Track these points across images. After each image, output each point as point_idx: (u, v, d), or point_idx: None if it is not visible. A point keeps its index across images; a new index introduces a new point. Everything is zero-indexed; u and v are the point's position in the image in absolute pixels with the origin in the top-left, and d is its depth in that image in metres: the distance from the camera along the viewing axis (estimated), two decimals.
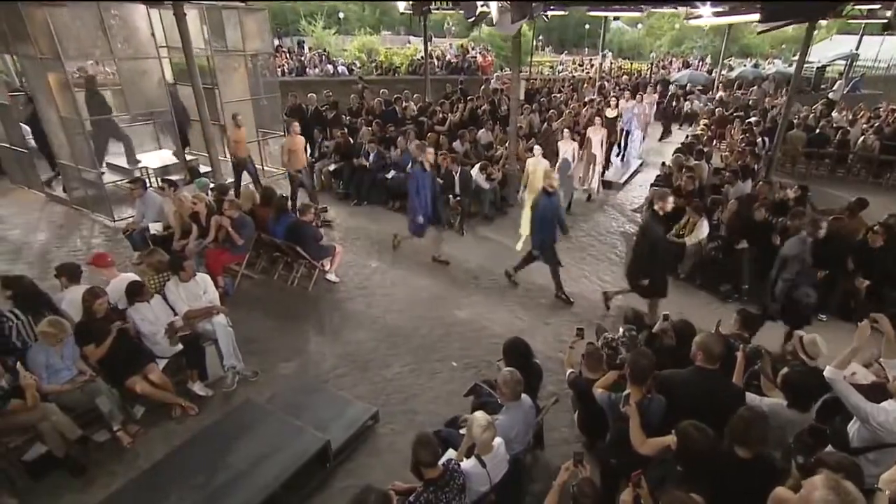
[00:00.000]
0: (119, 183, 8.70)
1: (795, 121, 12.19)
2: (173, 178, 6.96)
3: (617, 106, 11.35)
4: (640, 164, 11.95)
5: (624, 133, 11.32)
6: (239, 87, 9.37)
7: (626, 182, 10.93)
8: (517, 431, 3.35)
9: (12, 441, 3.60)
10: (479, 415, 3.03)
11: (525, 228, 7.32)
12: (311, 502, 3.70)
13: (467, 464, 2.97)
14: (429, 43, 13.49)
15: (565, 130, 8.68)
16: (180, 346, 4.53)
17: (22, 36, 6.95)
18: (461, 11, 9.39)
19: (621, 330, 4.36)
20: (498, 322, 5.94)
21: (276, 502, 3.46)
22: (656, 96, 14.18)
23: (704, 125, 12.14)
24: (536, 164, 7.69)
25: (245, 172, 8.46)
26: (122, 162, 8.97)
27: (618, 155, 11.46)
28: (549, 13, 14.13)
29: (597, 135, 9.07)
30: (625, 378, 3.20)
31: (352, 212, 8.81)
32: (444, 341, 5.55)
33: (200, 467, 3.58)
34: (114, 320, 4.24)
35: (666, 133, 14.92)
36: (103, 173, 7.86)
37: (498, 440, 3.10)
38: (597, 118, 9.59)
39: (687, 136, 11.85)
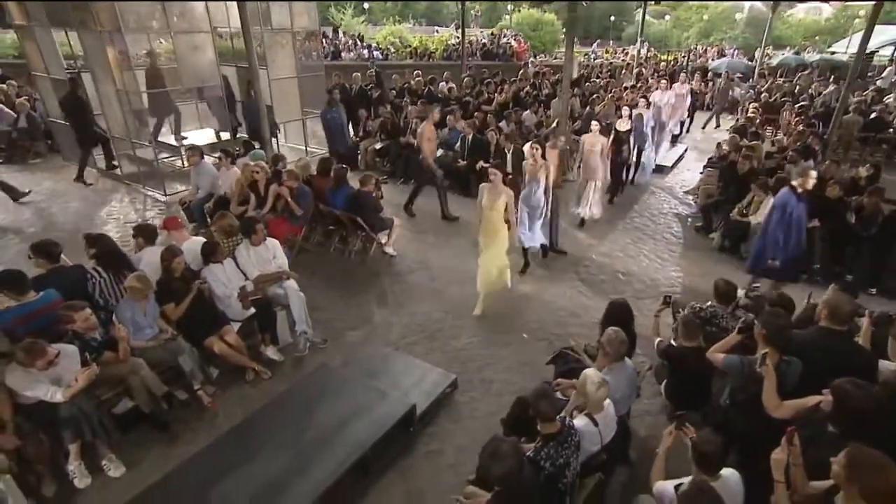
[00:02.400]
0: (168, 159, 8.77)
1: (852, 107, 11.73)
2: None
3: (641, 105, 9.03)
4: (685, 150, 11.65)
5: (636, 150, 8.95)
6: (286, 64, 9.32)
7: (674, 165, 10.65)
8: (622, 393, 3.21)
9: (104, 394, 3.58)
10: (592, 372, 2.90)
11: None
12: (396, 465, 3.61)
13: (579, 422, 2.83)
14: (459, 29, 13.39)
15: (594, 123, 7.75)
16: (252, 310, 4.48)
17: (83, 9, 6.96)
18: None
19: (709, 301, 4.19)
20: (561, 296, 5.81)
21: (364, 464, 3.39)
22: (689, 85, 13.15)
23: (754, 108, 11.74)
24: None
25: None
26: (169, 140, 9.02)
27: (629, 178, 9.29)
28: None
29: (595, 144, 7.10)
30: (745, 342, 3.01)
31: (399, 189, 8.70)
32: (510, 314, 5.42)
33: (287, 427, 3.52)
34: (191, 280, 4.20)
35: (713, 120, 14.34)
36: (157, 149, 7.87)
37: (607, 400, 2.96)
38: (594, 124, 7.30)
39: (737, 120, 11.49)
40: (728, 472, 2.38)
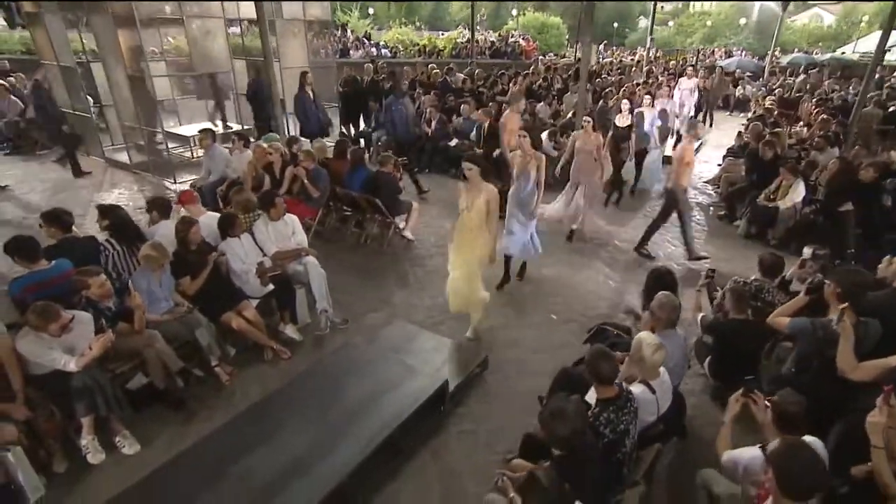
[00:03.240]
0: (177, 150, 8.61)
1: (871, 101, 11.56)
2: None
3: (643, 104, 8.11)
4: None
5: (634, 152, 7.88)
6: (298, 55, 9.19)
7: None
8: (675, 362, 2.99)
9: (118, 367, 3.37)
10: (646, 334, 2.69)
11: None
12: (428, 445, 3.39)
13: (636, 389, 2.62)
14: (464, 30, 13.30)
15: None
16: (271, 287, 4.28)
17: None
18: None
19: (752, 276, 3.99)
20: (586, 279, 5.62)
21: (395, 442, 3.17)
22: (697, 80, 11.60)
23: (771, 101, 11.57)
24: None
25: None
26: (178, 130, 8.88)
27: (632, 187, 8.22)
28: None
29: (588, 142, 6.11)
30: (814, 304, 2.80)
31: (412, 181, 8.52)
32: (536, 297, 5.21)
33: (312, 404, 3.30)
34: (208, 254, 4.01)
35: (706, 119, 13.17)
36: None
37: (662, 367, 2.75)
38: (586, 119, 6.31)
39: (751, 116, 11.30)
40: (811, 439, 2.16)
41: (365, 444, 3.01)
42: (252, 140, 6.47)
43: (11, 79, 10.41)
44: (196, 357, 3.77)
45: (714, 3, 52.67)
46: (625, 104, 7.41)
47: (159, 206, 4.31)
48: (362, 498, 2.98)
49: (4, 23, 16.39)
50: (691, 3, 52.28)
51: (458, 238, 4.17)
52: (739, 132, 8.84)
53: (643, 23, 48.57)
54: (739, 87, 16.28)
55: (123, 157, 8.61)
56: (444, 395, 3.52)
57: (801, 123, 9.80)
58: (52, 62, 8.43)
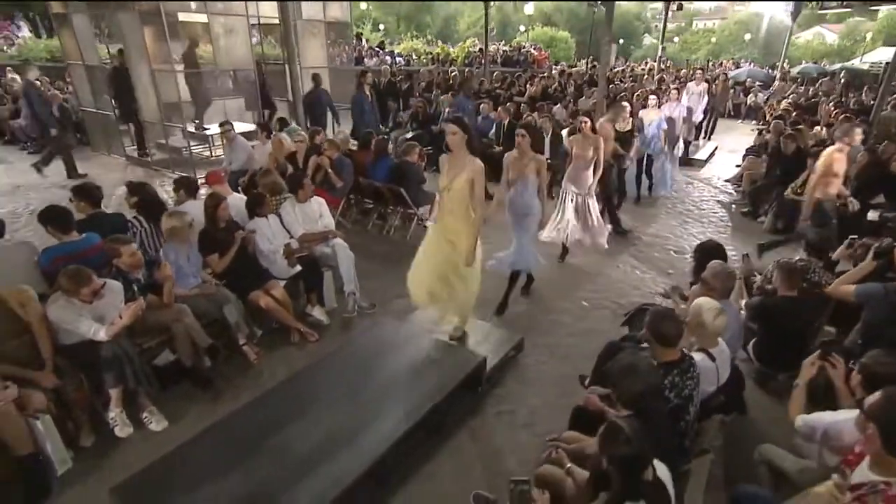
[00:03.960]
0: (197, 148, 8.59)
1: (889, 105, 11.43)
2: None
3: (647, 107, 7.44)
4: (716, 147, 11.32)
5: (646, 159, 7.37)
6: (317, 55, 9.22)
7: (708, 159, 10.34)
8: (731, 333, 2.82)
9: (145, 342, 3.25)
10: (705, 300, 2.53)
11: None
12: (466, 425, 3.22)
13: (696, 356, 2.45)
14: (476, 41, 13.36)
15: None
16: (298, 269, 4.16)
17: None
18: None
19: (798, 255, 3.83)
20: (616, 270, 5.48)
21: (433, 420, 3.00)
22: (704, 84, 10.23)
23: (788, 104, 11.46)
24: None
25: None
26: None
27: (649, 187, 7.71)
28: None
29: (586, 147, 5.03)
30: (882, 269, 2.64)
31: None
32: (565, 285, 5.07)
33: (345, 381, 3.15)
34: (235, 232, 3.90)
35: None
36: (206, 129, 7.70)
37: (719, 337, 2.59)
38: (582, 120, 5.15)
39: (768, 118, 11.15)
40: None
41: (402, 420, 2.85)
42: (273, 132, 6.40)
43: (37, 82, 10.49)
44: (224, 335, 3.63)
45: (717, 20, 53.27)
46: (624, 106, 6.49)
47: (186, 186, 4.23)
48: (400, 476, 2.81)
49: (30, 33, 16.72)
50: (695, 20, 52.83)
51: (440, 223, 3.43)
52: (760, 131, 8.70)
53: (647, 40, 49.04)
54: (751, 95, 16.20)
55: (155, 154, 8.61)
56: (482, 373, 3.37)
57: (821, 125, 9.65)
58: (79, 62, 8.49)
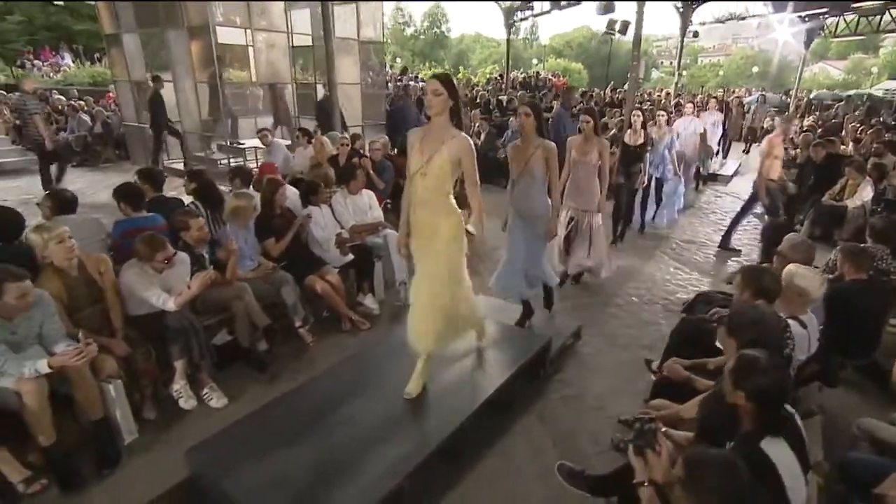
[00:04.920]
0: (234, 160, 8.74)
1: None
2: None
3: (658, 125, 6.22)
4: (739, 164, 11.29)
5: (655, 182, 6.34)
6: (350, 72, 9.44)
7: (733, 175, 10.29)
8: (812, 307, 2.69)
9: (205, 320, 3.18)
10: (795, 266, 2.43)
11: None
12: (533, 408, 3.08)
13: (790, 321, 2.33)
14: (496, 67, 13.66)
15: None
16: (350, 257, 4.12)
17: (173, 7, 7.18)
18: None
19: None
20: (660, 270, 5.37)
21: (501, 399, 2.88)
22: (719, 114, 9.28)
23: (810, 124, 11.45)
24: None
25: None
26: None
27: (653, 215, 6.74)
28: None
29: (587, 153, 4.09)
30: None
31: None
32: (611, 284, 4.93)
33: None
34: (291, 219, 3.90)
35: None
36: (241, 143, 7.85)
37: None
38: (584, 119, 4.12)
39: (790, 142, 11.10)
40: None
41: (471, 399, 2.75)
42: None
43: (82, 102, 10.89)
44: (280, 318, 3.57)
45: (721, 56, 54.29)
46: (636, 117, 5.57)
47: (242, 174, 4.26)
48: (472, 455, 2.67)
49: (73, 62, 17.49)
50: (700, 56, 53.85)
51: (415, 223, 2.58)
52: (786, 147, 8.65)
53: (655, 74, 50.00)
54: (768, 119, 16.24)
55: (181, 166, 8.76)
56: (547, 356, 3.25)
57: (848, 142, 9.61)
58: (125, 79, 8.77)
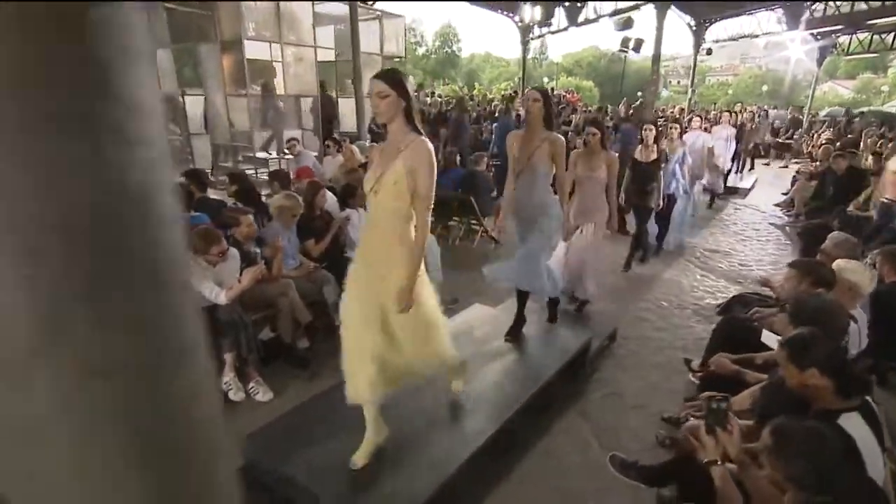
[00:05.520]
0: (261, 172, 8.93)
1: None
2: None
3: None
4: (756, 179, 11.25)
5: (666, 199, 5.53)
6: None
7: (751, 188, 10.26)
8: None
9: (250, 316, 3.23)
10: (843, 261, 2.43)
11: None
12: (574, 406, 3.08)
13: None
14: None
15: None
16: None
17: (207, 20, 7.43)
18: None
19: None
20: (686, 277, 5.37)
21: (543, 397, 2.88)
22: (731, 129, 8.72)
23: (828, 137, 11.45)
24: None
25: None
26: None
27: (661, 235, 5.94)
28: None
29: (594, 168, 3.62)
30: None
31: None
32: (638, 289, 4.96)
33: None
34: (330, 221, 3.97)
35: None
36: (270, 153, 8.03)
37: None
38: (593, 132, 3.63)
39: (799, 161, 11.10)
40: None
41: (513, 397, 2.75)
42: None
43: None
44: (322, 317, 3.61)
45: (730, 76, 54.60)
46: (648, 132, 5.04)
47: (280, 178, 4.36)
48: (515, 453, 2.67)
49: None
50: (707, 76, 54.18)
51: (364, 244, 2.19)
52: (811, 156, 8.67)
53: (665, 93, 50.28)
54: (768, 135, 16.26)
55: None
56: (587, 355, 3.26)
57: (867, 156, 9.58)
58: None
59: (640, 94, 16.35)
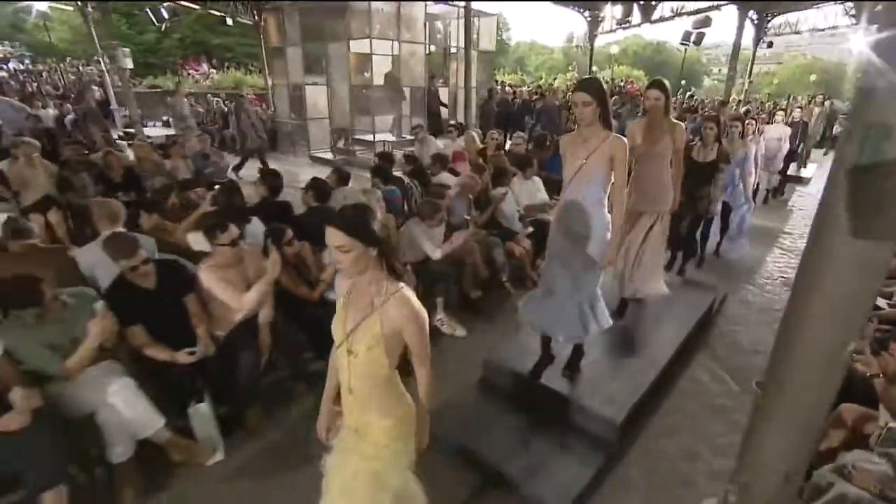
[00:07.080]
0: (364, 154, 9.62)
1: None
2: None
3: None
4: (816, 167, 11.10)
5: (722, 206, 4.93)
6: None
7: (811, 178, 10.19)
8: None
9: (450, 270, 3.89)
10: None
11: None
12: (702, 351, 3.60)
13: None
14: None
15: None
16: (530, 230, 4.75)
17: (339, 20, 8.06)
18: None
19: None
20: (779, 257, 5.64)
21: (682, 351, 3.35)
22: (786, 129, 7.44)
23: None
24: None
25: None
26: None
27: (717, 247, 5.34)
28: None
29: (659, 144, 2.98)
30: None
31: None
32: (736, 268, 5.22)
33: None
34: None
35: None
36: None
37: None
38: (656, 97, 2.89)
39: None
40: None
41: (669, 344, 3.20)
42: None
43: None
44: (492, 274, 4.22)
45: (773, 65, 51.15)
46: (709, 129, 4.23)
47: (338, 175, 4.61)
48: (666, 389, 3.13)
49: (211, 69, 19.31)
50: (753, 65, 50.90)
51: (345, 406, 1.56)
52: None
53: (707, 82, 47.81)
54: (837, 125, 15.63)
55: (327, 156, 9.72)
56: (713, 308, 3.75)
57: None
58: (283, 83, 9.82)
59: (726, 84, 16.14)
